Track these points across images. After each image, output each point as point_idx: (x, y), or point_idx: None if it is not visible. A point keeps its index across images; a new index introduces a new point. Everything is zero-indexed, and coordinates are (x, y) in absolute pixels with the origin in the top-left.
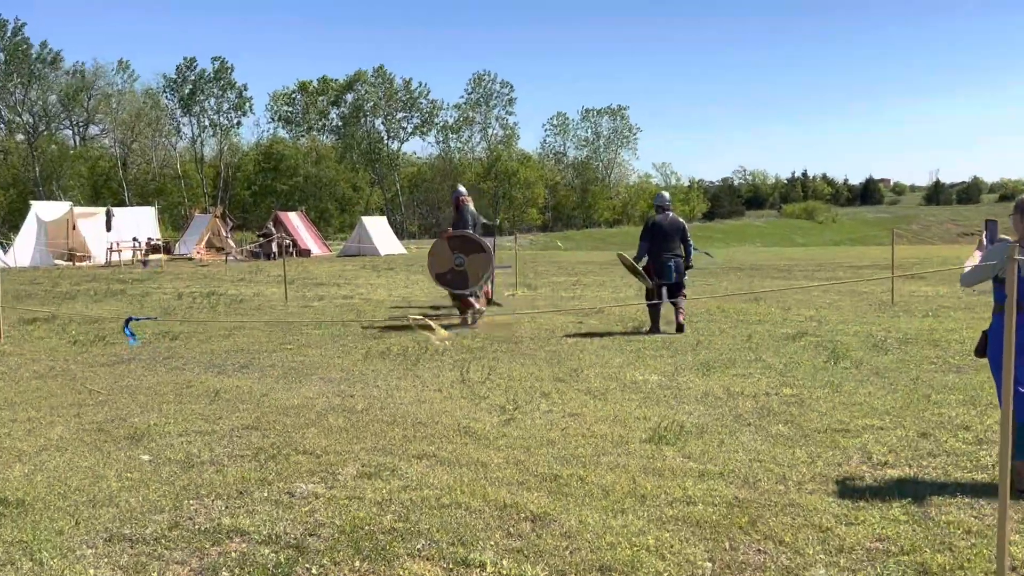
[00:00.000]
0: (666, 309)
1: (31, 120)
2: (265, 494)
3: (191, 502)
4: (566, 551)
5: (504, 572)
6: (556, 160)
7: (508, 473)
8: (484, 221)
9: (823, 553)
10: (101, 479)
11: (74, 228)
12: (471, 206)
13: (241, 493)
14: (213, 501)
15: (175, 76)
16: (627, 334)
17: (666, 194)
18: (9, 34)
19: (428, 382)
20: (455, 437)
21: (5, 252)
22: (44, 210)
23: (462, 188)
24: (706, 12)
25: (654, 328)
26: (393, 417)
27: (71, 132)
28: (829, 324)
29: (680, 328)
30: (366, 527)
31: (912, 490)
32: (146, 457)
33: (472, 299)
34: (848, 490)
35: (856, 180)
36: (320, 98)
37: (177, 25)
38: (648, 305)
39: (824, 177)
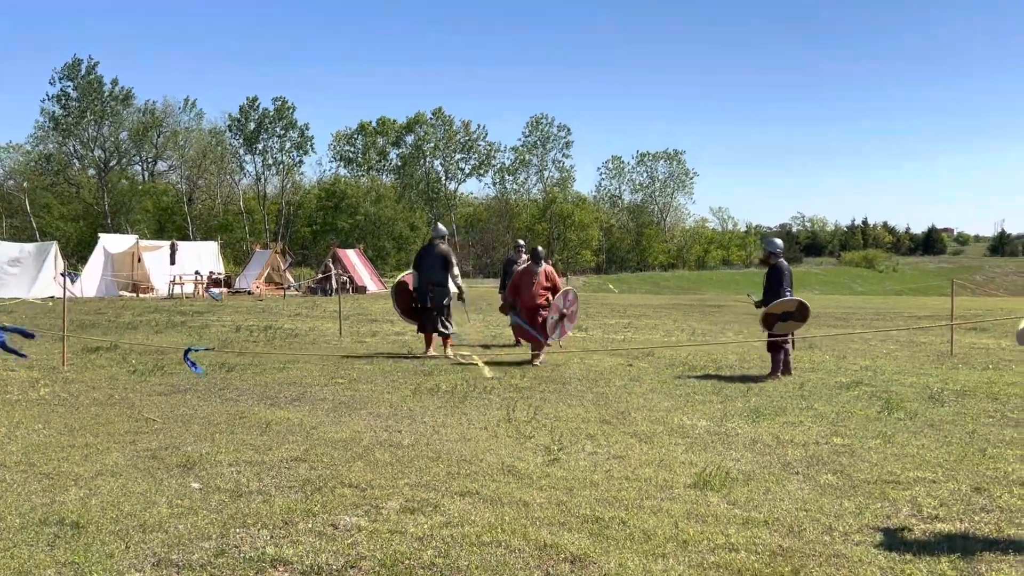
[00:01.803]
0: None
1: (103, 155)
2: (310, 525)
3: (238, 531)
4: None
5: None
6: (611, 203)
7: (550, 513)
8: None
9: None
10: (152, 505)
11: (139, 260)
12: (435, 247)
13: (286, 523)
14: (259, 530)
15: (239, 116)
16: (677, 377)
17: (779, 240)
18: (83, 72)
19: (474, 420)
20: (498, 475)
21: (73, 282)
22: (111, 242)
23: (440, 227)
24: (765, 55)
25: (788, 370)
26: (438, 453)
27: (140, 168)
28: (885, 374)
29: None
30: (406, 561)
31: (962, 545)
32: (196, 485)
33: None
34: (896, 543)
35: (918, 229)
36: (379, 138)
37: (241, 65)
38: (785, 349)
39: (885, 225)
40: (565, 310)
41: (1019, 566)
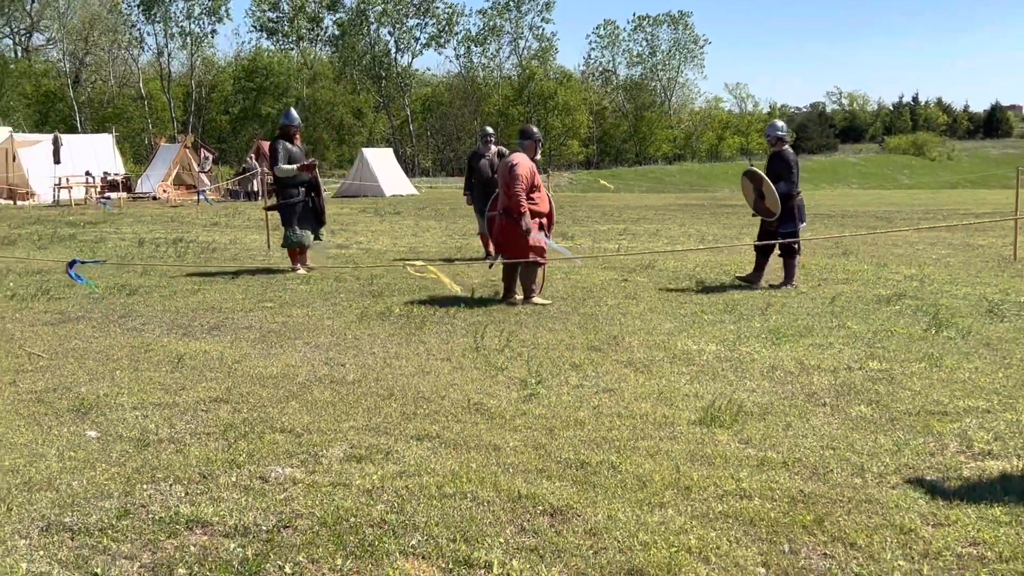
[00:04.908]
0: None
1: None
2: (233, 479)
3: (145, 487)
4: (589, 551)
5: (514, 574)
6: (603, 80)
7: (525, 458)
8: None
9: (903, 559)
10: (39, 458)
11: (14, 159)
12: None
13: (204, 477)
14: (171, 486)
15: None
16: (681, 292)
17: (781, 123)
18: None
19: (434, 349)
20: (464, 415)
21: None
22: None
23: (294, 113)
24: None
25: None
26: (390, 390)
27: (11, 41)
28: (933, 284)
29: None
30: (351, 519)
31: (1019, 486)
32: (93, 433)
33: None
34: (940, 484)
35: (979, 107)
36: (311, 1)
37: None
38: (761, 250)
39: (939, 103)
40: None
41: None
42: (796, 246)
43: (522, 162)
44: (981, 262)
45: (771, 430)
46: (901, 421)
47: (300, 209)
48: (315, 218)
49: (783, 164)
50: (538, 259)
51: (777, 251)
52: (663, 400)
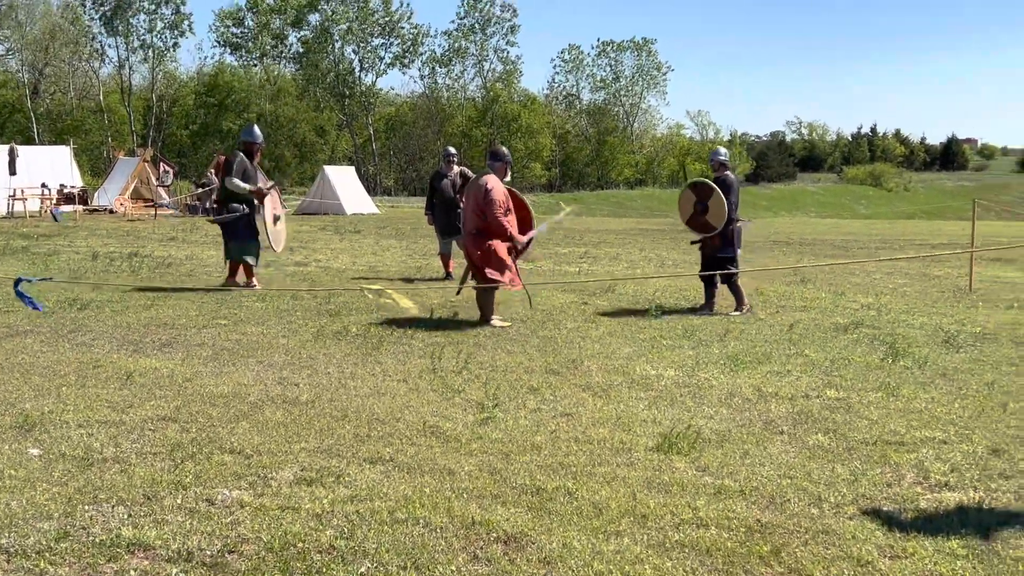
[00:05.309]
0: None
1: None
2: (178, 501)
3: (86, 508)
4: None
5: None
6: (567, 104)
7: (480, 484)
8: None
9: None
10: None
11: None
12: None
13: (149, 499)
14: (114, 507)
15: None
16: (640, 316)
17: (724, 149)
18: None
19: (391, 370)
20: (418, 438)
21: None
22: None
23: (256, 131)
24: None
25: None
26: (344, 412)
27: None
28: (890, 314)
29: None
30: (299, 544)
31: (976, 518)
32: (35, 451)
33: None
34: (897, 516)
35: (936, 140)
36: (275, 18)
37: None
38: (708, 279)
39: (897, 135)
40: None
41: None
42: (735, 269)
43: (496, 186)
44: (937, 292)
45: (728, 458)
46: (858, 451)
47: (243, 224)
48: (256, 237)
49: (725, 189)
50: (503, 282)
51: (720, 280)
52: (621, 425)
